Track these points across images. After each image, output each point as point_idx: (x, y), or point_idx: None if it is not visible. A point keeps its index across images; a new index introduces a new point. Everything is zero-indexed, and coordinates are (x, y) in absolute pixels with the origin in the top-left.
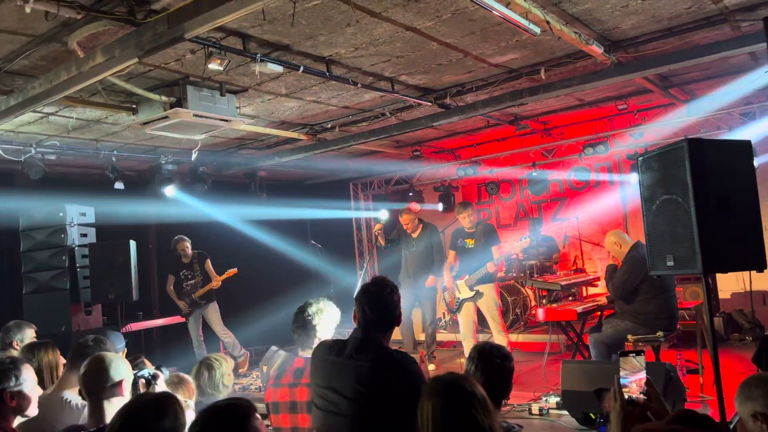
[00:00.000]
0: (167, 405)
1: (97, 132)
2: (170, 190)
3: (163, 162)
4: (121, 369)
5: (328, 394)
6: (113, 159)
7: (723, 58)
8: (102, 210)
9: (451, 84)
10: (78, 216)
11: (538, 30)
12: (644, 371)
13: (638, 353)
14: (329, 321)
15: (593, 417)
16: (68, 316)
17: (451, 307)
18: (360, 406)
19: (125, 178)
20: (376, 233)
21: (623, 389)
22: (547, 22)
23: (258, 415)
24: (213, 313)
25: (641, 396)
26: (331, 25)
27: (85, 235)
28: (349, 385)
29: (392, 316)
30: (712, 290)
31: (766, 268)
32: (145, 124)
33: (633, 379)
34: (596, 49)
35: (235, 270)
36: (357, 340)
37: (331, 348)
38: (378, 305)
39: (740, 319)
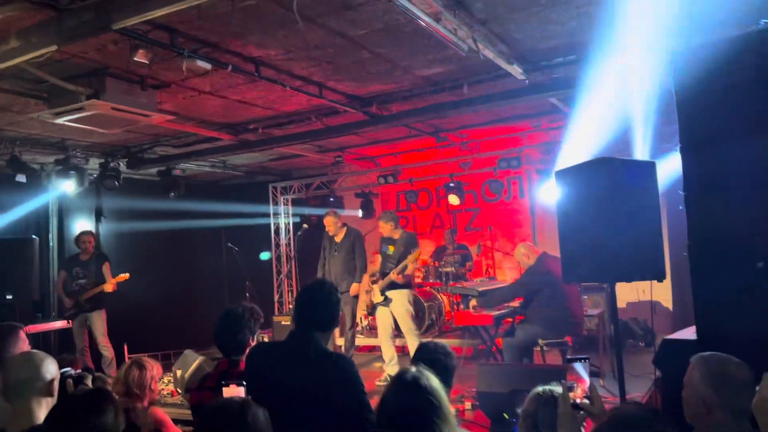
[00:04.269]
0: (106, 401)
1: None
2: (70, 186)
3: (71, 156)
4: (51, 368)
5: (267, 394)
6: (16, 150)
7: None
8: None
9: (377, 93)
10: None
11: (466, 47)
12: (588, 377)
13: (584, 359)
14: (255, 324)
15: (507, 417)
16: None
17: (368, 309)
18: (298, 406)
19: (28, 172)
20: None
21: (569, 394)
22: (474, 40)
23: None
24: (99, 321)
25: (585, 400)
26: (264, 26)
27: None
28: (288, 384)
29: (331, 317)
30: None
31: (665, 278)
32: (57, 115)
33: (578, 385)
34: (517, 69)
35: (127, 275)
36: (296, 340)
37: (269, 349)
38: (317, 306)
39: (635, 326)
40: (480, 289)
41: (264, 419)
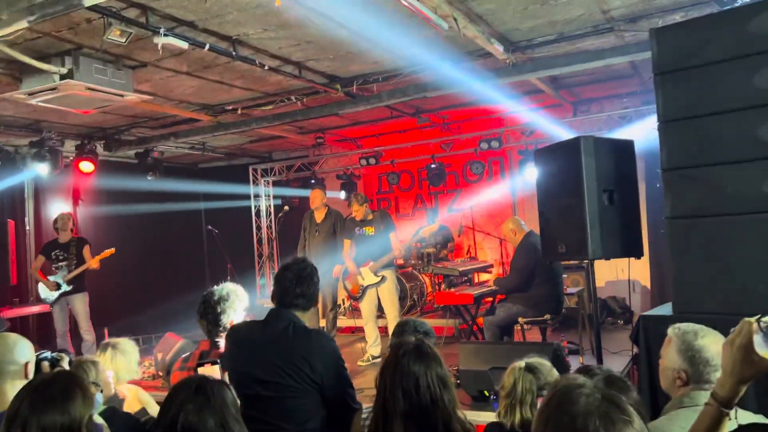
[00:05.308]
0: (74, 384)
1: None
2: (45, 168)
3: (46, 138)
4: (25, 351)
5: (248, 373)
6: None
7: (607, 65)
8: None
9: (358, 73)
10: None
11: (446, 25)
12: None
13: None
14: (239, 305)
15: (487, 394)
16: None
17: (353, 294)
18: (279, 383)
19: (2, 154)
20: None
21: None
22: (455, 19)
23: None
24: (80, 304)
25: None
26: (241, 4)
27: None
28: (269, 362)
29: (311, 297)
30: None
31: (642, 255)
32: (30, 95)
33: None
34: (497, 48)
35: (112, 250)
36: (275, 319)
37: (249, 327)
38: (297, 285)
39: (613, 304)
40: (461, 269)
41: (230, 397)
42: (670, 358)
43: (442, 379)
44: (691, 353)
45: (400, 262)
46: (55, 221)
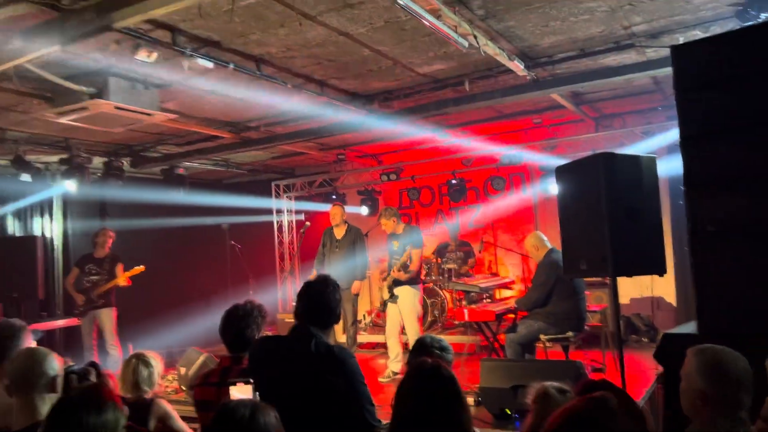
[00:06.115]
0: (105, 397)
1: (3, 120)
2: (74, 184)
3: (74, 155)
4: (54, 364)
5: (270, 389)
6: (20, 150)
7: (628, 80)
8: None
9: (378, 90)
10: None
11: (466, 43)
12: None
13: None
14: (261, 321)
15: (509, 413)
16: None
17: (381, 306)
18: (301, 399)
19: (32, 171)
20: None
21: None
22: (475, 36)
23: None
24: (107, 319)
25: None
26: (264, 24)
27: None
28: (292, 378)
29: (333, 314)
30: None
31: (665, 272)
32: (61, 114)
33: None
34: (518, 65)
35: (142, 268)
36: (298, 335)
37: (272, 343)
38: (319, 302)
39: (638, 322)
40: (482, 285)
41: (276, 422)
42: (690, 380)
43: (458, 399)
44: (712, 375)
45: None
46: (96, 235)
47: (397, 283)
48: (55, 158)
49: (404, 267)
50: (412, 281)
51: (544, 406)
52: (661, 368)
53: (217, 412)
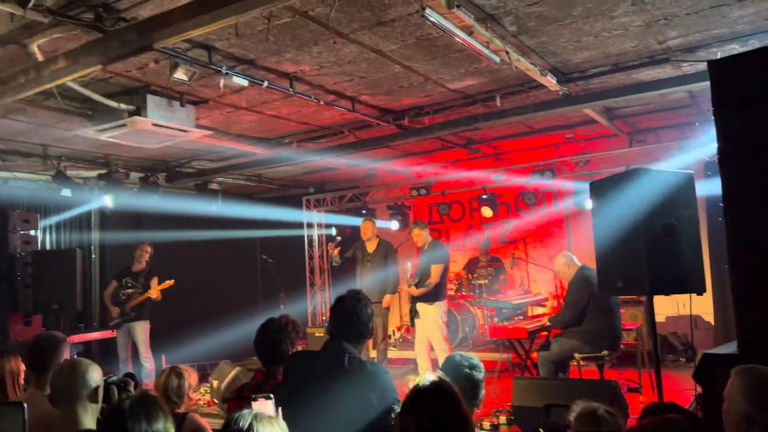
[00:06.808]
0: (157, 407)
1: (45, 137)
2: (110, 199)
3: (113, 170)
4: (95, 375)
5: (304, 403)
6: (61, 166)
7: (663, 95)
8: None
9: (409, 106)
10: (21, 222)
11: (497, 59)
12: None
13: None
14: (295, 335)
15: None
16: (5, 325)
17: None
18: (335, 414)
19: (72, 186)
20: (332, 253)
21: None
22: (507, 52)
23: None
24: (141, 331)
25: None
26: (299, 42)
27: (27, 243)
28: (325, 392)
29: (365, 329)
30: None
31: (705, 291)
32: (101, 131)
33: None
34: (550, 81)
35: (171, 282)
36: (331, 350)
37: (305, 358)
38: (352, 317)
39: (674, 341)
40: (514, 302)
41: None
42: (734, 401)
43: (461, 417)
44: (757, 397)
45: (451, 293)
46: (136, 249)
47: (417, 299)
48: (94, 173)
49: (415, 284)
50: (431, 297)
51: (590, 426)
52: (699, 389)
53: (226, 419)
